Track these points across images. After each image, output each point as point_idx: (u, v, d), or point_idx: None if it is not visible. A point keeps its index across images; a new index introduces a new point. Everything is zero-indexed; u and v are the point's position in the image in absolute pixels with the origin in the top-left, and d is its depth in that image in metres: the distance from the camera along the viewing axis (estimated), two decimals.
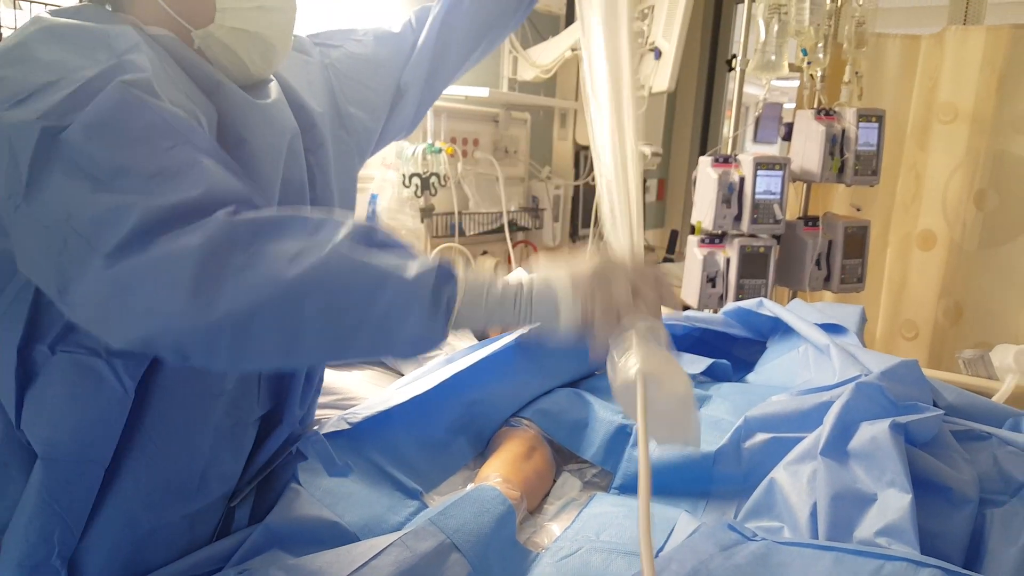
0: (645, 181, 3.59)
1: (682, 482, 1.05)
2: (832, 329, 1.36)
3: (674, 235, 3.41)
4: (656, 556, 0.77)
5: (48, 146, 0.67)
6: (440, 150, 2.19)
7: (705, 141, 3.72)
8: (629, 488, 1.08)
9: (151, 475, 0.84)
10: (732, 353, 1.52)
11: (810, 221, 2.30)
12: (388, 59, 1.19)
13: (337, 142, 1.07)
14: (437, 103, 1.38)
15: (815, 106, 2.30)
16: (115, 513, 0.83)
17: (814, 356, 1.29)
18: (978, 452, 1.01)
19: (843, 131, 2.21)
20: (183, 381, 0.84)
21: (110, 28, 0.75)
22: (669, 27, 2.35)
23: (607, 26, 0.98)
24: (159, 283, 0.65)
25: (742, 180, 2.13)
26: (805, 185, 2.43)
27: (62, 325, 0.77)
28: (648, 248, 3.24)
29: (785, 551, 0.78)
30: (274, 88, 0.95)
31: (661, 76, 2.38)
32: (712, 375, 1.41)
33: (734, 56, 2.22)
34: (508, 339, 1.26)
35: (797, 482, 0.93)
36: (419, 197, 2.20)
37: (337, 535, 0.90)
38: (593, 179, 2.87)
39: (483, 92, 2.31)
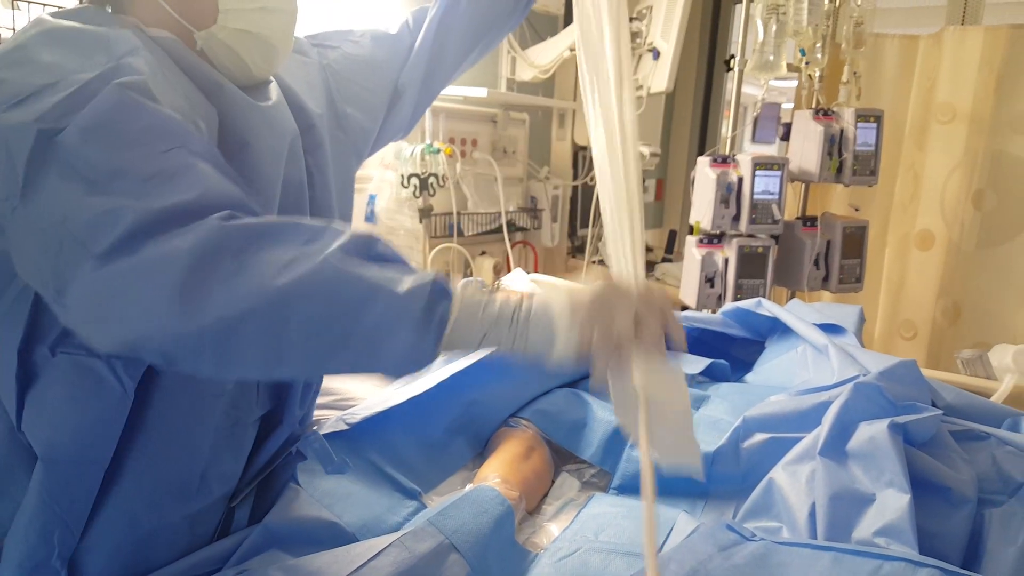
0: (644, 181, 3.59)
1: (681, 482, 1.05)
2: (830, 329, 1.36)
3: (672, 235, 3.41)
4: None
5: (44, 148, 0.67)
6: (438, 150, 2.19)
7: (703, 141, 3.72)
8: (627, 488, 1.08)
9: (152, 475, 0.84)
10: (730, 353, 1.52)
11: (808, 221, 2.30)
12: (385, 60, 1.19)
13: (335, 143, 1.07)
14: (435, 103, 1.38)
15: (813, 106, 2.30)
16: (116, 514, 0.83)
17: (812, 356, 1.29)
18: (977, 452, 1.01)
19: (841, 131, 2.21)
20: (183, 382, 0.84)
21: (109, 31, 0.76)
22: (667, 27, 2.35)
23: (603, 25, 0.98)
24: (146, 286, 0.64)
25: (740, 180, 2.13)
26: (803, 185, 2.43)
27: (62, 327, 0.77)
28: (647, 248, 3.24)
29: (784, 551, 0.78)
30: (274, 90, 0.95)
31: (659, 76, 2.38)
32: (710, 375, 1.41)
33: (732, 56, 2.22)
34: None
35: (796, 482, 0.93)
36: (417, 197, 2.20)
37: (336, 535, 0.90)
38: (591, 179, 2.88)
39: (481, 92, 2.31)
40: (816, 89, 2.31)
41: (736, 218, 2.16)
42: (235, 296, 0.64)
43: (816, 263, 2.29)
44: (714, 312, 1.65)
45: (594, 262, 2.76)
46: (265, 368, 0.69)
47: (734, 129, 2.26)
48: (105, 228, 0.64)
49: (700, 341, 1.55)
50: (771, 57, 2.11)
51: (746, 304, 1.51)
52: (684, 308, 2.18)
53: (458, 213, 2.37)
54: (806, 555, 0.76)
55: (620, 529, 0.95)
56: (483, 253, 2.56)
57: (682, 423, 0.79)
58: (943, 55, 2.52)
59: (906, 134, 2.64)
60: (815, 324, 1.35)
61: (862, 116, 2.20)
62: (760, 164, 2.12)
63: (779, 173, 2.13)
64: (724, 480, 1.05)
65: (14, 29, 1.32)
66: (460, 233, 2.41)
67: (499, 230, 2.51)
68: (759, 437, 1.06)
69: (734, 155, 2.18)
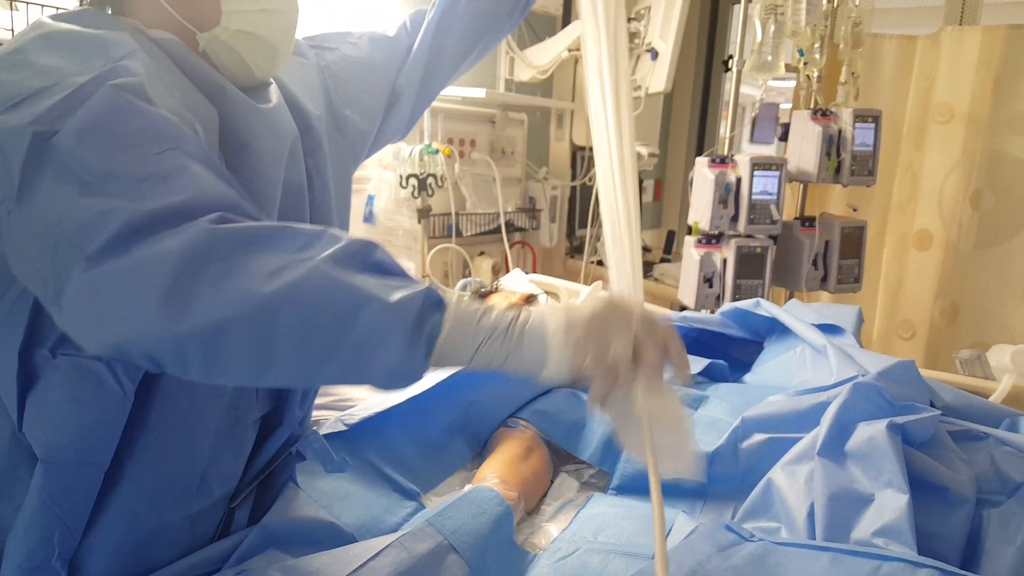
0: (642, 182, 3.60)
1: (679, 483, 1.05)
2: (829, 329, 1.36)
3: (671, 235, 3.41)
4: (652, 558, 0.77)
5: (40, 151, 0.66)
6: (437, 151, 2.19)
7: (702, 141, 3.73)
8: (626, 489, 1.09)
9: (152, 476, 0.84)
10: (729, 353, 1.52)
11: (807, 221, 2.30)
12: (383, 62, 1.19)
13: (333, 144, 1.07)
14: (434, 104, 1.38)
15: (811, 106, 2.30)
16: (117, 515, 0.83)
17: (811, 356, 1.29)
18: (975, 452, 1.01)
19: (839, 131, 2.21)
20: (183, 383, 0.84)
21: (107, 34, 0.76)
22: (666, 28, 2.35)
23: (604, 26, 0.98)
24: (134, 288, 0.63)
25: (739, 180, 2.13)
26: (801, 185, 2.43)
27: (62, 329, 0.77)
28: (645, 249, 3.24)
29: (782, 552, 0.78)
30: (274, 92, 0.95)
31: (658, 77, 2.38)
32: (709, 375, 1.41)
33: (731, 57, 2.22)
34: None
35: (794, 482, 0.93)
36: (416, 198, 2.21)
37: (334, 536, 0.90)
38: (590, 179, 2.88)
39: (480, 93, 2.32)
40: (814, 89, 2.31)
41: (734, 218, 2.16)
42: (221, 300, 0.63)
43: (814, 263, 2.29)
44: (712, 312, 1.65)
45: (593, 262, 2.76)
46: (252, 375, 0.67)
47: (732, 129, 2.26)
48: (98, 229, 0.64)
49: (699, 341, 1.55)
50: (769, 57, 2.12)
51: (744, 304, 1.51)
52: (683, 308, 2.18)
53: (456, 213, 2.37)
54: (805, 555, 0.76)
55: (619, 529, 0.95)
56: (481, 253, 2.56)
57: (681, 445, 0.77)
58: (941, 55, 2.52)
59: (904, 134, 2.64)
60: (813, 324, 1.35)
61: (860, 116, 2.20)
62: (758, 164, 2.12)
63: (777, 173, 2.13)
64: (723, 480, 1.05)
65: (13, 30, 1.32)
66: (459, 233, 2.41)
67: (497, 230, 2.51)
68: (758, 437, 1.06)
69: (732, 155, 2.18)
